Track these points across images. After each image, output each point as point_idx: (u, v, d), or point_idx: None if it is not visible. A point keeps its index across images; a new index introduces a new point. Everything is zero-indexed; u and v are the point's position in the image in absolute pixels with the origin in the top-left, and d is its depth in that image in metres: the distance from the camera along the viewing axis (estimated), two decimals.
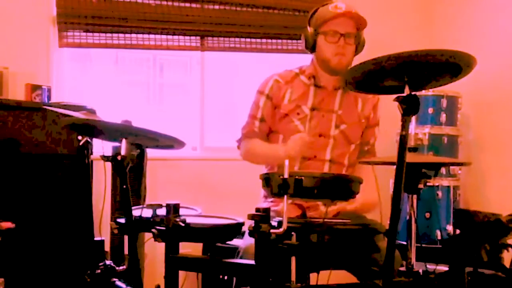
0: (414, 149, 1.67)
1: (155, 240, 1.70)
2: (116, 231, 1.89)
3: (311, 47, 2.26)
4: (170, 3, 3.48)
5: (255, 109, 2.33)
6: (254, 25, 3.64)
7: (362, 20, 2.20)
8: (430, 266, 1.66)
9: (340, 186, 1.60)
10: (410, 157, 1.43)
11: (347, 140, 2.30)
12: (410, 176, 1.56)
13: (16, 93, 3.09)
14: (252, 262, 1.53)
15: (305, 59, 2.38)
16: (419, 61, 1.39)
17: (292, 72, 2.35)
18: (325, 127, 2.28)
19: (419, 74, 1.42)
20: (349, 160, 2.31)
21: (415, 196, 1.65)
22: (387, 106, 2.31)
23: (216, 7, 3.57)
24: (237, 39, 3.64)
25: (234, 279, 2.02)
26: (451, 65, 1.42)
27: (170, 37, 3.51)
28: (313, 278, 1.68)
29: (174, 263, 1.69)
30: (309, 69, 2.32)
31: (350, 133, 2.30)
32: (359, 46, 2.25)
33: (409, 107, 1.40)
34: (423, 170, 1.61)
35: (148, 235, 1.75)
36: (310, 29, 2.25)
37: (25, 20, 3.21)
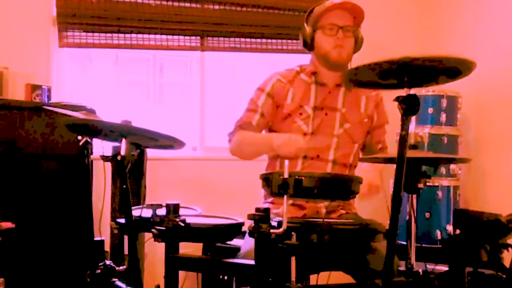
0: (414, 147, 1.66)
1: (155, 240, 1.70)
2: (116, 231, 1.89)
3: (310, 45, 2.25)
4: (170, 3, 3.48)
5: (254, 104, 2.29)
6: (254, 25, 3.64)
7: (359, 12, 2.19)
8: (430, 266, 1.66)
9: (340, 186, 1.59)
10: (409, 153, 1.43)
11: (351, 140, 2.28)
12: (409, 173, 1.56)
13: (16, 93, 3.09)
14: (252, 262, 1.53)
15: (305, 59, 2.37)
16: (418, 65, 1.39)
17: (293, 70, 2.33)
18: (329, 126, 2.25)
19: (418, 76, 1.42)
20: (352, 160, 2.30)
21: (415, 196, 1.65)
22: (387, 106, 2.33)
23: (216, 7, 3.57)
24: (237, 39, 3.64)
25: (234, 279, 2.02)
26: (451, 68, 1.42)
27: (170, 37, 3.51)
28: (313, 278, 1.68)
29: (174, 263, 1.69)
30: (309, 67, 2.31)
31: (353, 132, 2.28)
32: (357, 43, 2.24)
33: (409, 107, 1.40)
34: (423, 170, 1.61)
35: (148, 235, 1.75)
36: (307, 28, 2.24)
37: (25, 20, 3.21)
